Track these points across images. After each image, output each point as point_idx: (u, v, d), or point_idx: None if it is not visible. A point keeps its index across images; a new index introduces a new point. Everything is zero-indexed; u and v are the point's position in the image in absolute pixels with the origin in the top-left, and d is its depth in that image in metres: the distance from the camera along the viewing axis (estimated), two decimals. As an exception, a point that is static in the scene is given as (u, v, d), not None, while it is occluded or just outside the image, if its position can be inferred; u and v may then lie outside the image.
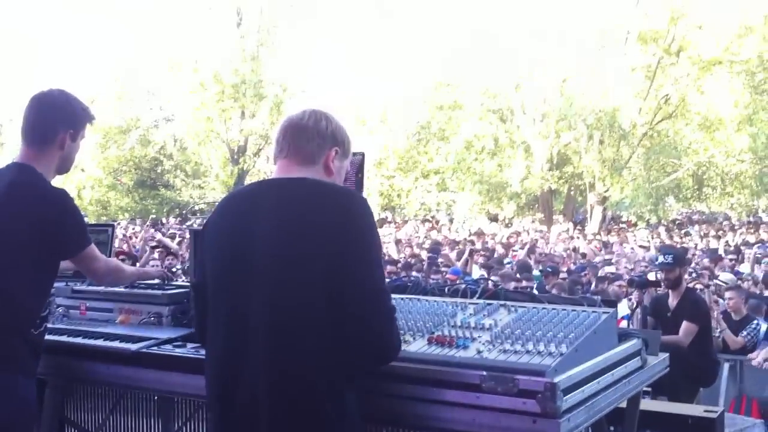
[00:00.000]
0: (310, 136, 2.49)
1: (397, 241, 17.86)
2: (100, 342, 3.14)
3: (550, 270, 10.67)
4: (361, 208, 2.36)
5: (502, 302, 3.00)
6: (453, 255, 14.24)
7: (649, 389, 4.75)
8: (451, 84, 28.82)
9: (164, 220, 27.91)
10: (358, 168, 3.51)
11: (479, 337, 2.62)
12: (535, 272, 11.39)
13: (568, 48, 26.20)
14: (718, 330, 7.71)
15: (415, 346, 2.59)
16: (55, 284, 3.68)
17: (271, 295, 2.27)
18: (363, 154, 3.56)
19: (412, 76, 29.12)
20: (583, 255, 15.27)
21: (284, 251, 2.28)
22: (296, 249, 2.27)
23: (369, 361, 2.34)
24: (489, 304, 2.98)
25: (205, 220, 2.61)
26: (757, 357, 7.70)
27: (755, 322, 8.04)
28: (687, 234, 20.86)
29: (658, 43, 26.13)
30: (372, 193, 28.02)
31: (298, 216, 2.31)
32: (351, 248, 2.26)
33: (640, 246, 17.54)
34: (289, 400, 2.24)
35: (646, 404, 3.27)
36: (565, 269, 12.36)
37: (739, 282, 10.22)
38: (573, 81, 26.64)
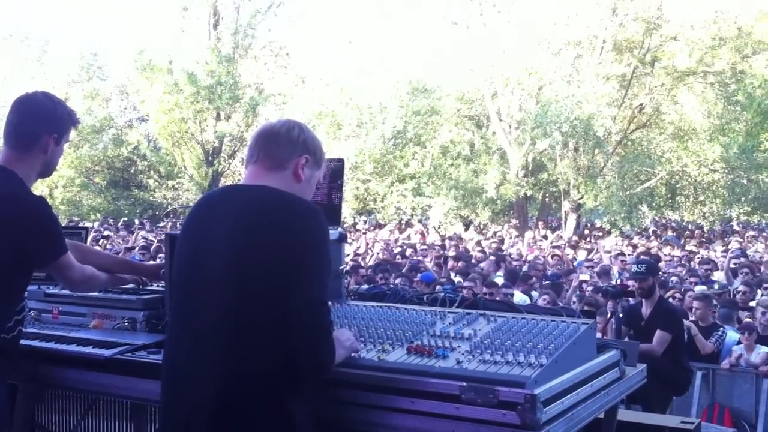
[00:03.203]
0: (281, 142, 2.54)
1: (386, 242, 17.85)
2: (73, 347, 3.08)
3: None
4: (315, 223, 2.40)
5: (482, 312, 3.00)
6: (427, 261, 14.22)
7: (623, 399, 4.77)
8: (427, 89, 28.85)
9: (137, 221, 27.63)
10: (338, 174, 3.50)
11: (459, 347, 2.61)
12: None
13: (545, 56, 26.35)
14: (691, 333, 7.79)
15: (394, 355, 2.58)
16: (28, 287, 3.63)
17: (218, 305, 2.32)
18: (342, 161, 3.55)
19: (389, 81, 29.11)
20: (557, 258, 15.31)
21: (235, 261, 2.33)
22: (246, 260, 2.32)
23: (304, 371, 2.34)
24: (468, 314, 2.97)
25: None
26: (728, 365, 7.80)
27: (721, 329, 8.14)
28: (666, 242, 20.96)
29: (633, 53, 26.38)
30: (347, 198, 27.95)
31: (252, 226, 2.36)
32: (298, 262, 2.30)
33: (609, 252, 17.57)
34: (232, 411, 2.27)
35: (624, 415, 3.27)
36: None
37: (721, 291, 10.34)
38: (549, 89, 26.79)
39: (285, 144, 2.53)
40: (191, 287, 2.42)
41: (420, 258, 14.57)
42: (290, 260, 2.29)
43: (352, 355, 2.57)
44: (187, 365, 2.36)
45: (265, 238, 2.32)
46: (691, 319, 8.33)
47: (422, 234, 22.81)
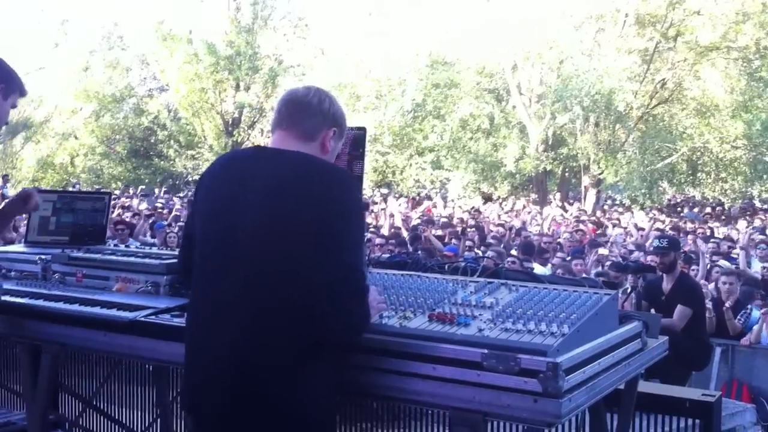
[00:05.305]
0: (312, 112, 2.54)
1: (403, 215, 17.82)
2: (96, 309, 3.09)
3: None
4: (350, 188, 2.42)
5: (503, 281, 2.99)
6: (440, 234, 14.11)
7: (642, 371, 4.77)
8: (447, 62, 28.68)
9: (157, 190, 27.80)
10: (360, 143, 3.48)
11: (480, 315, 2.60)
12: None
13: (567, 30, 26.10)
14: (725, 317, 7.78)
15: (416, 322, 2.57)
16: (52, 251, 3.67)
17: (250, 266, 2.32)
18: (365, 129, 3.53)
19: (410, 52, 28.95)
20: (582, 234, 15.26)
21: (269, 223, 2.33)
22: (281, 222, 2.32)
23: (335, 337, 2.36)
24: (490, 283, 2.96)
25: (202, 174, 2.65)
26: (748, 342, 7.78)
27: (749, 307, 8.09)
28: (685, 217, 20.87)
29: (655, 27, 26.07)
30: (366, 169, 27.87)
31: (288, 190, 2.36)
32: (334, 227, 2.30)
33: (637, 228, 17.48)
34: (255, 374, 2.28)
35: (643, 386, 3.26)
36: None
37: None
38: (570, 63, 26.56)
39: (316, 115, 2.54)
40: (220, 249, 2.40)
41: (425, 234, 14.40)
42: (327, 225, 2.29)
43: (374, 321, 2.57)
44: (213, 328, 2.36)
45: (304, 202, 2.31)
46: (715, 296, 8.32)
47: (429, 207, 22.77)
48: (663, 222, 19.22)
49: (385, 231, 14.11)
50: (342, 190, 2.38)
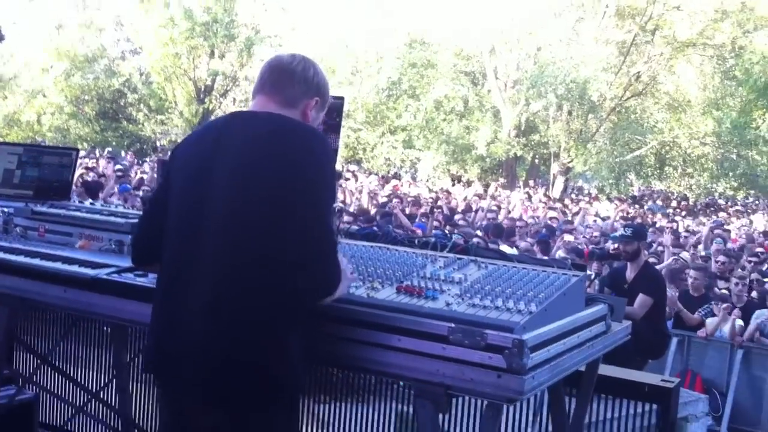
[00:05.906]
0: (296, 80, 2.50)
1: (370, 192, 17.77)
2: (58, 265, 3.03)
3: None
4: (325, 146, 2.41)
5: (473, 258, 2.98)
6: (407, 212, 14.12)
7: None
8: (426, 42, 28.61)
9: (123, 153, 27.47)
10: (337, 112, 3.44)
11: (448, 289, 2.59)
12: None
13: (546, 17, 26.14)
14: (672, 309, 7.86)
15: (384, 293, 2.56)
16: (15, 204, 3.59)
17: (224, 230, 2.28)
18: (343, 99, 3.49)
19: (387, 30, 28.83)
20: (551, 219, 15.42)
21: (242, 184, 2.30)
22: (254, 183, 2.29)
23: (310, 296, 2.34)
24: (459, 259, 2.95)
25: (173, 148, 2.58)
26: (704, 335, 7.90)
27: (711, 304, 8.19)
28: (650, 210, 21.14)
29: (635, 19, 26.20)
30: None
31: (260, 151, 2.34)
32: (308, 184, 2.29)
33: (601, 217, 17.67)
34: (231, 339, 2.24)
35: (602, 369, 3.28)
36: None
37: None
38: (548, 50, 26.63)
39: (300, 83, 2.50)
40: (195, 212, 2.34)
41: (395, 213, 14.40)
42: (301, 185, 2.27)
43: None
44: (189, 292, 2.30)
45: (279, 160, 2.30)
46: (683, 288, 8.42)
47: (397, 185, 22.75)
48: (627, 213, 19.44)
49: (352, 208, 14.05)
50: (318, 151, 2.36)
